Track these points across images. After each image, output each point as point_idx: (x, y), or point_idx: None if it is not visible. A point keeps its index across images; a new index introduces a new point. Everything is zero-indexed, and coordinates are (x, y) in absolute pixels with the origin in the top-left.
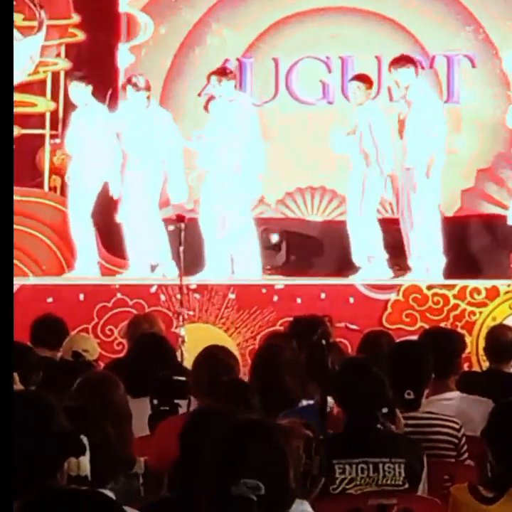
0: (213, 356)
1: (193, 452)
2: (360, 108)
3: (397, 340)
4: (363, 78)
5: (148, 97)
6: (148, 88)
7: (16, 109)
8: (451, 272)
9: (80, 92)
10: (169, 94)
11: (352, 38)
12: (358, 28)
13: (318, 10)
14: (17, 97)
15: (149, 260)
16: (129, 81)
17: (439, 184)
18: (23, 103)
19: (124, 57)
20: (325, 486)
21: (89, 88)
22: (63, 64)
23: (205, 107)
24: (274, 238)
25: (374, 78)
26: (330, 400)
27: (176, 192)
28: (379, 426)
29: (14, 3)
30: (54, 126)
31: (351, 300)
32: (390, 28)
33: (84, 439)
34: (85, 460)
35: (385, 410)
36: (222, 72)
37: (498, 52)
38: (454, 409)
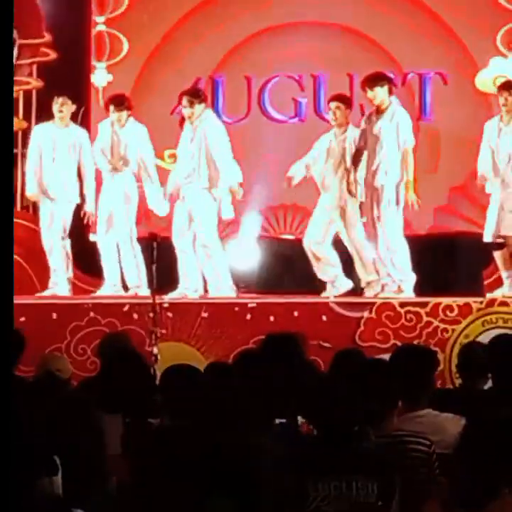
0: (178, 374)
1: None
2: (338, 130)
3: (368, 359)
4: (342, 98)
5: (129, 116)
6: (129, 107)
7: None
8: (423, 289)
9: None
10: (142, 110)
11: (325, 55)
12: (331, 44)
13: (290, 25)
14: None
15: (126, 279)
16: (111, 100)
17: (403, 202)
18: None
19: (101, 75)
20: (299, 504)
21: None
22: (35, 83)
23: (180, 125)
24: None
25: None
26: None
27: (157, 206)
28: (350, 442)
29: None
30: (25, 145)
31: (324, 318)
32: (363, 45)
33: (57, 460)
34: (58, 480)
35: (356, 428)
36: (194, 93)
37: (472, 70)
38: (426, 426)
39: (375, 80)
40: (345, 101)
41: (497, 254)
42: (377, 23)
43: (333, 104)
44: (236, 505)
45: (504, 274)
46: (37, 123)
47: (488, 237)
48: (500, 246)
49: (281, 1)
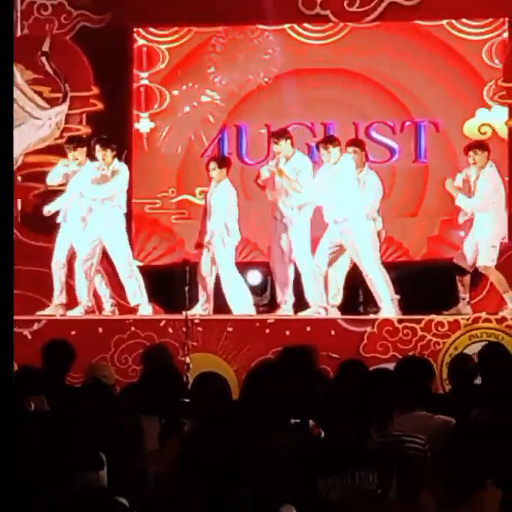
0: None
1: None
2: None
3: (371, 368)
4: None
5: (113, 156)
6: (114, 148)
7: (45, 168)
8: (418, 307)
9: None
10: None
11: (333, 103)
12: (338, 92)
13: (302, 71)
14: (44, 158)
15: (129, 299)
16: (97, 141)
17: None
18: (50, 163)
19: (145, 123)
20: (309, 493)
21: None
22: (84, 130)
23: (206, 167)
24: (260, 279)
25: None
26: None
27: None
28: (355, 441)
29: (41, 77)
30: None
31: (333, 332)
32: (369, 93)
33: (103, 456)
34: (104, 473)
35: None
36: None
37: (460, 119)
38: (421, 426)
39: (330, 141)
40: (361, 145)
41: (459, 278)
42: (378, 74)
43: (350, 149)
44: (257, 497)
45: (462, 295)
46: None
47: (459, 262)
48: (463, 272)
49: (286, 50)
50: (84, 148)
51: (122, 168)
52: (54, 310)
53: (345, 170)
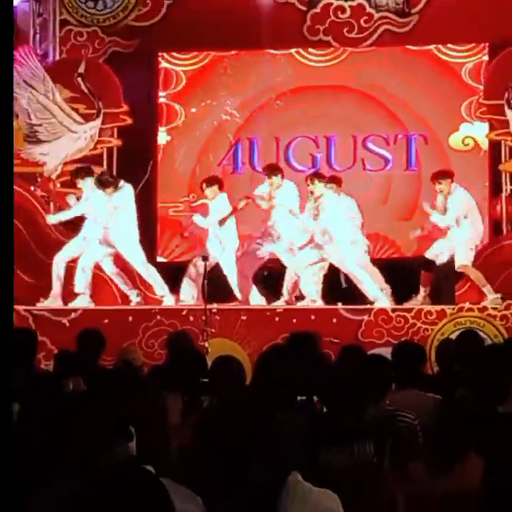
0: (224, 364)
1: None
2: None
3: (368, 352)
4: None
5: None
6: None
7: None
8: (409, 297)
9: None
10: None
11: (334, 118)
12: (341, 108)
13: (307, 90)
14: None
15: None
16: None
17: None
18: None
19: (162, 136)
20: (313, 462)
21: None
22: (115, 142)
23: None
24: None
25: (351, 153)
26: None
27: None
28: (353, 416)
29: (77, 95)
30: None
31: (334, 320)
32: (370, 106)
33: (132, 429)
34: (132, 445)
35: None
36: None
37: (446, 133)
38: (412, 403)
39: (318, 177)
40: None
41: (424, 272)
42: (374, 93)
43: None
44: (268, 466)
45: (422, 289)
46: (117, 172)
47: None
48: (429, 268)
49: (292, 71)
50: (90, 178)
51: (122, 190)
52: (52, 301)
53: (328, 202)
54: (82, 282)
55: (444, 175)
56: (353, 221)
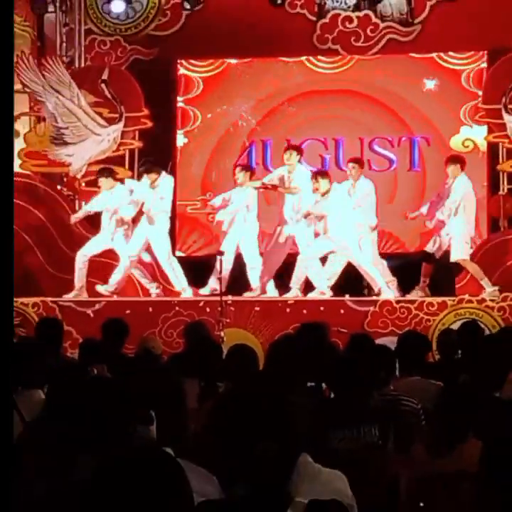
0: (238, 352)
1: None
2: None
3: (375, 341)
4: (357, 160)
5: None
6: (158, 172)
7: None
8: (412, 289)
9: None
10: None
11: (342, 120)
12: (348, 112)
13: (317, 95)
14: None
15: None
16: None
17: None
18: None
19: (180, 139)
20: (322, 444)
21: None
22: (137, 144)
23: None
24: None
25: (358, 154)
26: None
27: None
28: (360, 401)
29: (101, 100)
30: None
31: (342, 311)
32: (374, 111)
33: (152, 413)
34: (152, 429)
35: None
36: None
37: (448, 135)
38: (416, 388)
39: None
40: (359, 162)
41: (424, 264)
42: (379, 98)
43: (350, 164)
44: (278, 447)
45: (422, 279)
46: (139, 173)
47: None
48: (430, 261)
49: (303, 77)
50: (111, 178)
51: (164, 180)
52: (75, 294)
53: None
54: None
55: (453, 159)
56: (371, 208)
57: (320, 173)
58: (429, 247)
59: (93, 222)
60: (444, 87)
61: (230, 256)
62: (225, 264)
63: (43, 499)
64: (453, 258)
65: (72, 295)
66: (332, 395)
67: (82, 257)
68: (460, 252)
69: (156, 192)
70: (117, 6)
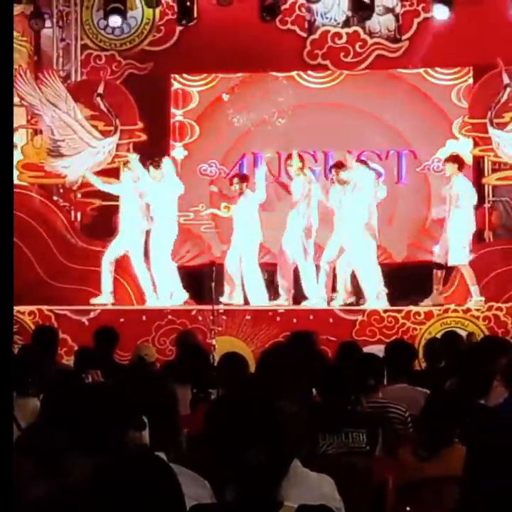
0: (230, 359)
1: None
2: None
3: (363, 349)
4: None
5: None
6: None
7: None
8: (399, 299)
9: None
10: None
11: (332, 134)
12: (337, 125)
13: (307, 109)
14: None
15: (168, 289)
16: (151, 162)
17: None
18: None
19: (179, 151)
20: (311, 449)
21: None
22: (131, 156)
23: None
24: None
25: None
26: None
27: None
28: (348, 407)
29: (97, 113)
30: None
31: (331, 320)
32: (364, 123)
33: (145, 419)
34: (145, 434)
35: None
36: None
37: (433, 149)
38: (403, 395)
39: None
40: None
41: (436, 272)
42: (368, 113)
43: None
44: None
45: (435, 287)
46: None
47: (437, 260)
48: (440, 267)
49: (293, 92)
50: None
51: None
52: (106, 299)
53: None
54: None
55: (451, 159)
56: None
57: (339, 166)
58: (436, 254)
59: (91, 233)
60: (431, 101)
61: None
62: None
63: (40, 503)
64: (451, 262)
65: (101, 300)
66: (322, 402)
67: (105, 262)
68: (458, 257)
69: (173, 192)
70: (114, 21)
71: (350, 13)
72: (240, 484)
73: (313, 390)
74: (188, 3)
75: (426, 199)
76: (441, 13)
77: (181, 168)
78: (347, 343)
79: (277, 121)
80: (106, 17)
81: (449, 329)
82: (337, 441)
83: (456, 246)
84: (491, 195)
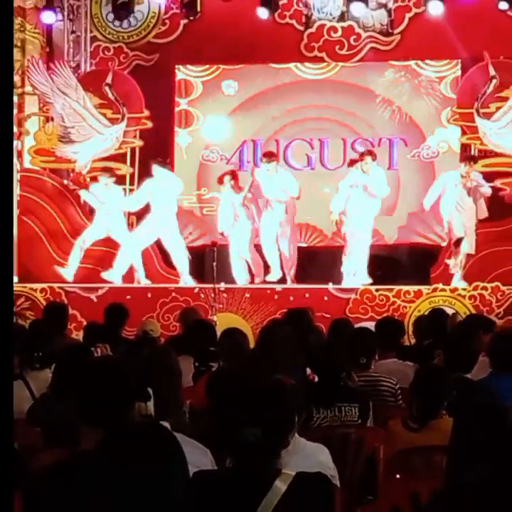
0: (230, 335)
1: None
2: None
3: (356, 325)
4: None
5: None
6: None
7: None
8: (390, 279)
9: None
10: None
11: (327, 123)
12: (332, 114)
13: (303, 97)
14: (107, 164)
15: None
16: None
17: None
18: (111, 168)
19: (184, 138)
20: (306, 422)
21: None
22: (138, 143)
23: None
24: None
25: (341, 153)
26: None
27: None
28: (341, 383)
29: (105, 102)
30: (132, 182)
31: (325, 298)
32: (358, 112)
33: (150, 390)
34: (150, 405)
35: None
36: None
37: (423, 137)
38: (393, 369)
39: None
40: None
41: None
42: (362, 102)
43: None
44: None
45: (452, 261)
46: (139, 169)
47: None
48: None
49: (291, 82)
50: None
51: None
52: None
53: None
54: None
55: (469, 158)
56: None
57: (368, 153)
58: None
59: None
60: (421, 92)
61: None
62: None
63: (53, 469)
64: (455, 235)
65: (110, 275)
66: (316, 379)
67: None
68: (469, 243)
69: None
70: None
71: (345, 8)
72: (239, 456)
73: (308, 367)
74: None
75: (415, 185)
76: (435, 9)
77: (186, 154)
78: (339, 319)
79: (275, 110)
80: (115, 11)
81: (436, 307)
82: (330, 416)
83: (470, 234)
84: None
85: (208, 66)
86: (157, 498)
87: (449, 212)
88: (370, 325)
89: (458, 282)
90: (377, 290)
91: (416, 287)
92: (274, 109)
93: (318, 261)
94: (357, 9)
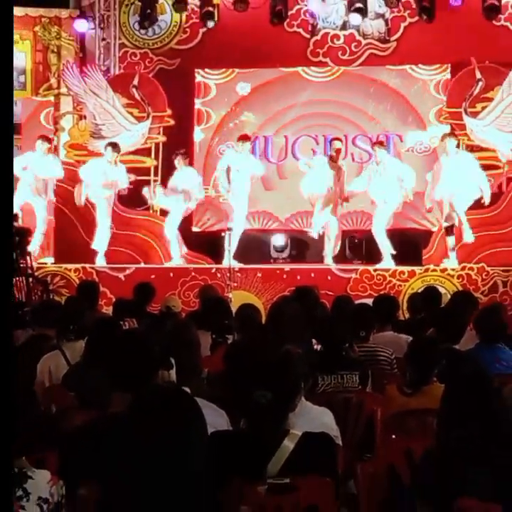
0: (244, 310)
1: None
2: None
3: (356, 302)
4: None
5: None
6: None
7: (133, 165)
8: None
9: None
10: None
11: (330, 120)
12: (336, 112)
13: (309, 101)
14: (133, 157)
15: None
16: (177, 154)
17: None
18: (138, 161)
19: (199, 134)
20: (312, 388)
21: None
22: (161, 139)
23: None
24: (283, 241)
25: (343, 148)
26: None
27: None
28: (343, 353)
29: (132, 102)
30: (155, 174)
31: (329, 277)
32: (359, 111)
33: (172, 360)
34: (173, 372)
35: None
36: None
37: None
38: (389, 341)
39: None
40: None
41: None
42: (362, 102)
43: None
44: (278, 390)
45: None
46: (163, 162)
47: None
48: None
49: (298, 84)
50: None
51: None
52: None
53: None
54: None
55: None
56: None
57: (378, 143)
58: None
59: (127, 203)
60: (415, 93)
61: None
62: None
63: (85, 427)
64: (467, 240)
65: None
66: (320, 347)
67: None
68: (470, 235)
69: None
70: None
71: (346, 18)
72: (251, 418)
73: (314, 338)
74: (210, 9)
75: (416, 175)
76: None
77: (200, 149)
78: (341, 296)
79: (284, 109)
80: (141, 20)
81: (428, 285)
82: (334, 382)
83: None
84: None
85: (224, 70)
86: (180, 454)
87: (450, 192)
88: (369, 301)
89: (454, 261)
90: (375, 270)
91: (410, 268)
92: (282, 109)
93: (321, 244)
94: (355, 19)
